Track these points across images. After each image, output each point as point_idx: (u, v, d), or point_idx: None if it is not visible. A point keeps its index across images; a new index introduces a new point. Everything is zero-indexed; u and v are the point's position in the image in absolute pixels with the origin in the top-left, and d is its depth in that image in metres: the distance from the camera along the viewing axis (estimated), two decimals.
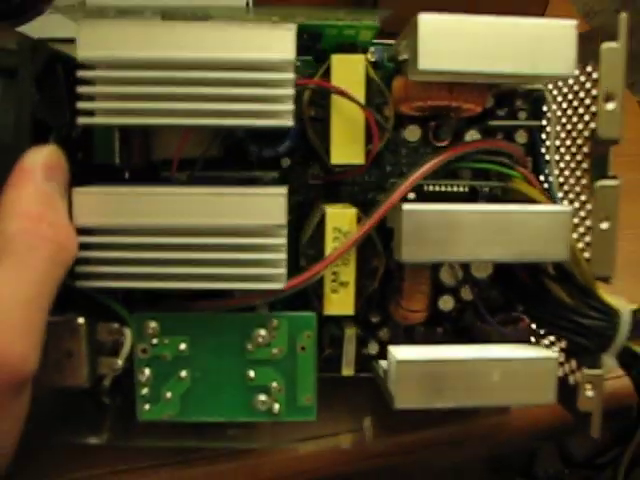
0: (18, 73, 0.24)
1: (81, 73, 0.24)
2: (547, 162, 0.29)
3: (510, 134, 0.30)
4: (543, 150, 0.30)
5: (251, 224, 0.24)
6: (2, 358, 0.20)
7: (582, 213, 0.27)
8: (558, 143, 0.29)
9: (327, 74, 0.27)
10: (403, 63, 0.28)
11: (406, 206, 0.25)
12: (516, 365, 0.26)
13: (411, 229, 0.25)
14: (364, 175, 0.30)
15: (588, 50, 0.26)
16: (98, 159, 0.28)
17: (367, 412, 0.31)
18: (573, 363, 0.28)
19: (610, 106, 0.25)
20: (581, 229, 0.27)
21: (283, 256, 0.25)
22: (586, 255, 0.27)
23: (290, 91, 0.24)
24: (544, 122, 0.29)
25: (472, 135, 0.29)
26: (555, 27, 0.25)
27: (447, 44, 0.24)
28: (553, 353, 0.27)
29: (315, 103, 0.27)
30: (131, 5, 0.24)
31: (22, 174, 0.22)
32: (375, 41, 0.28)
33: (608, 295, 0.26)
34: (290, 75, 0.24)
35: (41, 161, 0.23)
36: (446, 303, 0.30)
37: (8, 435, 0.21)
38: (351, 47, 0.28)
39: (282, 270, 0.25)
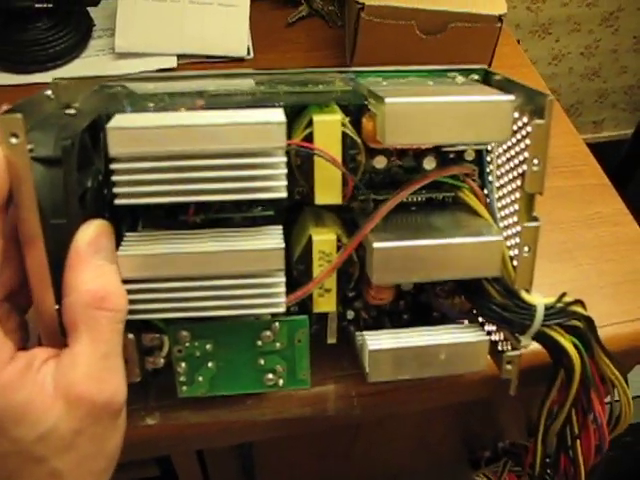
0: (62, 165, 0.29)
1: (113, 166, 0.30)
2: (490, 183, 0.36)
3: (460, 152, 0.36)
4: (488, 167, 0.36)
5: (254, 270, 0.32)
6: (96, 398, 0.28)
7: (516, 235, 0.34)
8: (498, 184, 0.35)
9: (310, 124, 0.33)
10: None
11: (376, 244, 0.32)
12: (456, 347, 0.35)
13: (381, 260, 0.33)
14: None
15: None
16: None
17: (345, 363, 0.40)
18: (502, 334, 0.37)
19: (535, 168, 0.31)
20: (514, 244, 0.35)
21: (282, 289, 0.32)
22: (514, 262, 0.35)
23: (283, 171, 0.30)
24: (489, 147, 0.36)
25: (429, 161, 0.35)
26: (494, 103, 0.31)
27: (409, 123, 0.30)
28: (484, 336, 0.36)
29: (300, 155, 0.33)
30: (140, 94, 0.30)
31: (76, 256, 0.29)
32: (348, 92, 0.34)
33: (527, 294, 0.35)
34: (282, 158, 0.30)
35: (88, 240, 0.29)
36: (407, 285, 0.39)
37: (117, 447, 0.30)
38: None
39: (281, 299, 0.33)
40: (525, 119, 0.32)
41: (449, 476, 0.66)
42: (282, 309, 0.33)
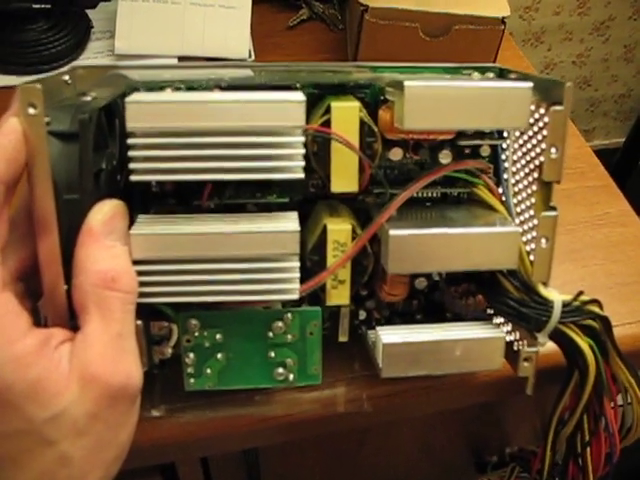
0: (79, 140, 0.29)
1: (131, 140, 0.29)
2: (505, 180, 0.36)
3: (476, 148, 0.36)
4: (503, 164, 0.36)
5: (269, 253, 0.31)
6: (111, 379, 0.27)
7: (532, 229, 0.34)
8: (513, 180, 0.35)
9: (328, 111, 0.33)
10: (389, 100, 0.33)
11: (392, 232, 0.32)
12: (472, 343, 0.35)
13: (396, 249, 0.32)
14: None
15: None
16: None
17: (356, 364, 0.40)
18: (517, 334, 0.36)
19: (554, 156, 0.31)
20: (530, 239, 0.34)
21: (297, 275, 0.32)
22: (531, 257, 0.34)
23: (300, 150, 0.30)
24: (504, 144, 0.36)
25: (445, 155, 0.35)
26: (513, 90, 0.31)
27: (428, 107, 0.30)
28: (500, 333, 0.35)
29: (317, 140, 0.33)
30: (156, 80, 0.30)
31: (88, 235, 0.28)
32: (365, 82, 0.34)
33: (545, 290, 0.34)
34: (300, 138, 0.30)
35: (102, 219, 0.29)
36: (421, 283, 0.38)
37: (129, 437, 0.28)
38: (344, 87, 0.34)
39: (295, 285, 0.32)
40: (542, 110, 0.32)
41: None
42: (295, 296, 0.32)
